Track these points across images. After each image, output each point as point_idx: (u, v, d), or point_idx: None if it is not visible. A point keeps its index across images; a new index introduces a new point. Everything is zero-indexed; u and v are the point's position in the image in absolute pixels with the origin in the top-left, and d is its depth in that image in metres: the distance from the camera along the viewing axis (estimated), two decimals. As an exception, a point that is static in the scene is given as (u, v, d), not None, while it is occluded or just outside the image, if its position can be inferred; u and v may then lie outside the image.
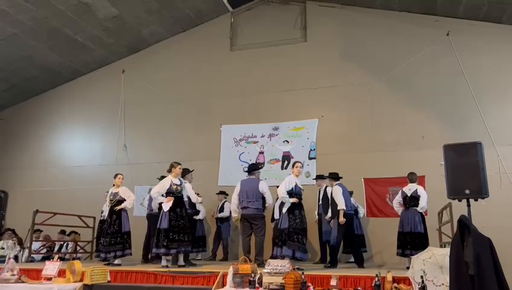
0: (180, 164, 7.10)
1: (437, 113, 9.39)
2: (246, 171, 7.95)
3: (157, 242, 6.63)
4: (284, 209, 6.63)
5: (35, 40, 10.53)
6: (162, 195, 6.86)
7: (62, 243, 10.08)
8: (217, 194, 9.69)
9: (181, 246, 6.64)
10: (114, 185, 7.84)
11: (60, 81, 12.50)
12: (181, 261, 6.81)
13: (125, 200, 7.63)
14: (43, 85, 12.48)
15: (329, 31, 10.64)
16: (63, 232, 10.15)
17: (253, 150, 10.47)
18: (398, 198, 7.25)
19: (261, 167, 8.84)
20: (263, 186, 7.16)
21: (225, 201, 9.54)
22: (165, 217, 6.68)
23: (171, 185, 6.85)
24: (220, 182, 10.27)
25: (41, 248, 9.69)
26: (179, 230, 6.66)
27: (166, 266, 6.48)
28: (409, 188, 7.17)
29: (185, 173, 7.46)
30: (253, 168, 7.56)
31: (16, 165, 12.26)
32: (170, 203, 6.73)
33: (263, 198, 7.14)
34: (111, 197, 7.73)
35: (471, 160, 4.62)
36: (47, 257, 9.02)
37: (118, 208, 7.57)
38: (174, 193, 6.82)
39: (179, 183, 6.96)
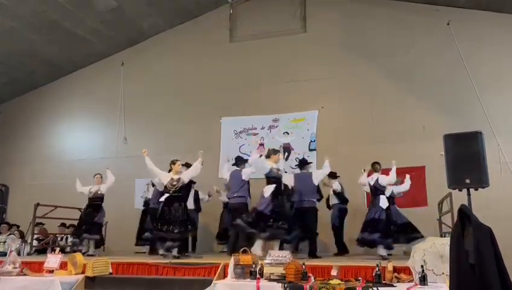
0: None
1: (437, 103, 9.37)
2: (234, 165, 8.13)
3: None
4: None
5: (35, 34, 10.49)
6: None
7: (63, 235, 10.11)
8: None
9: None
10: (171, 171, 7.36)
11: (59, 75, 12.49)
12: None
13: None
14: (42, 78, 12.47)
15: (329, 21, 10.58)
16: (63, 225, 10.17)
17: (254, 142, 10.45)
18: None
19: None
20: (244, 173, 7.55)
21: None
22: None
23: None
24: (220, 174, 10.26)
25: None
26: None
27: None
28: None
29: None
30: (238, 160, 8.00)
31: (17, 158, 12.27)
32: None
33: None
34: (174, 183, 7.20)
35: (472, 150, 4.62)
36: (41, 250, 9.05)
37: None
38: None
39: None
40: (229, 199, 7.89)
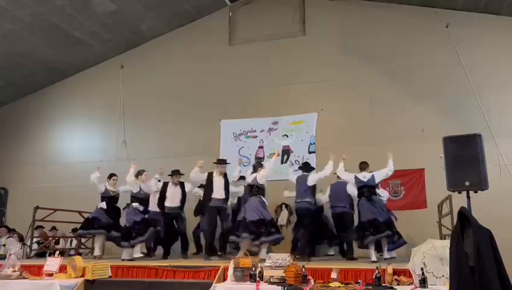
0: None
1: (436, 106, 9.38)
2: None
3: None
4: None
5: (34, 36, 10.50)
6: None
7: (57, 238, 10.11)
8: None
9: None
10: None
11: (59, 77, 12.48)
12: None
13: None
14: (42, 81, 12.45)
15: (328, 24, 10.60)
16: (54, 228, 10.17)
17: (253, 145, 10.45)
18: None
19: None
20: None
21: None
22: None
23: None
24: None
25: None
26: None
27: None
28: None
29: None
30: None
31: (16, 161, 12.24)
32: None
33: None
34: None
35: (471, 152, 4.62)
36: (41, 254, 9.04)
37: None
38: None
39: None
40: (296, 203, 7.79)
